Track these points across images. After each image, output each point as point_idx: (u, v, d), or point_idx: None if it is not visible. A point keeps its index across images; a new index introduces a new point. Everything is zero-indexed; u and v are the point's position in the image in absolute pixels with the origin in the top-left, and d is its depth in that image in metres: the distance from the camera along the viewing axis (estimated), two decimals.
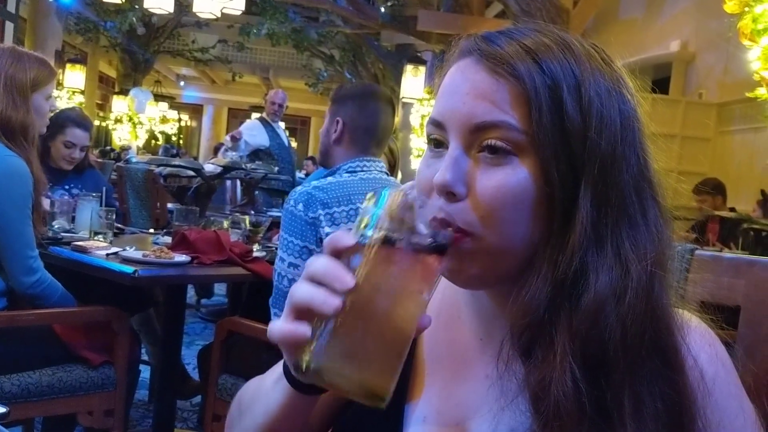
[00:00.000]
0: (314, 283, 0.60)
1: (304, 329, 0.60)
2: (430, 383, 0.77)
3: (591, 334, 0.62)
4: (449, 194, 0.66)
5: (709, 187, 5.19)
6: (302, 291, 0.61)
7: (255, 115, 7.18)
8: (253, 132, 5.59)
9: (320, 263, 0.61)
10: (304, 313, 0.60)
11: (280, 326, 0.61)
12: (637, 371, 0.63)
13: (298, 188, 2.01)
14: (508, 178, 0.65)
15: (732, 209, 5.03)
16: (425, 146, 0.74)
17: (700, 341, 0.69)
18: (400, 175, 3.16)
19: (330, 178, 2.05)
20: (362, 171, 2.07)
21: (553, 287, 0.64)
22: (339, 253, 0.62)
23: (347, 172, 2.06)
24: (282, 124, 5.91)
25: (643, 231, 0.66)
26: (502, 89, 0.66)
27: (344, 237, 0.62)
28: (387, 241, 0.60)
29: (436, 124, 0.70)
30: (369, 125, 2.10)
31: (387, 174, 2.16)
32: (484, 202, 0.65)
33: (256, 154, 5.51)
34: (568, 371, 0.62)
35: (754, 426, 0.69)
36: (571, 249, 0.64)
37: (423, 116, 8.45)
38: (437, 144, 0.71)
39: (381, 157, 2.19)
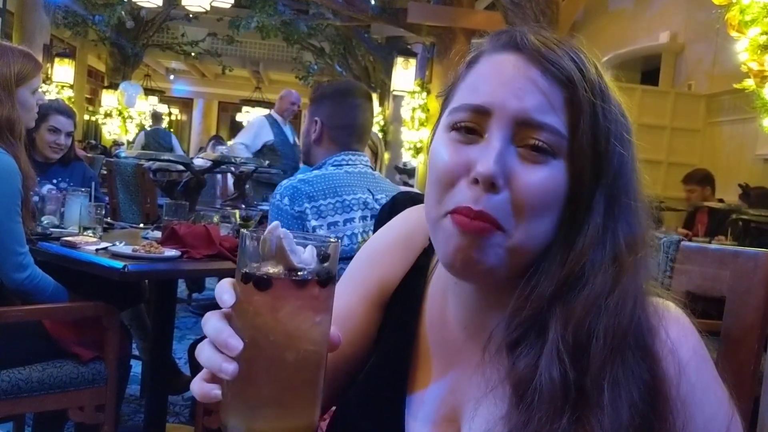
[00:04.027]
0: (212, 345, 0.60)
1: (214, 392, 0.61)
2: (429, 371, 0.79)
3: (582, 324, 0.65)
4: (491, 186, 0.66)
5: (697, 178, 5.21)
6: (203, 356, 0.61)
7: (263, 112, 7.10)
8: (257, 131, 5.62)
9: (211, 326, 0.61)
10: (212, 374, 0.61)
11: (196, 386, 0.62)
12: (617, 358, 0.65)
13: (284, 182, 2.01)
14: (548, 178, 0.67)
15: (720, 200, 5.04)
16: (447, 132, 0.72)
17: (676, 328, 0.70)
18: (385, 168, 3.15)
19: (316, 172, 2.05)
20: (347, 164, 2.07)
21: (557, 285, 0.67)
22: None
23: (332, 166, 2.07)
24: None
25: (635, 227, 0.70)
26: (556, 92, 0.68)
27: (225, 294, 0.61)
28: (265, 284, 0.59)
29: (480, 110, 0.69)
30: (347, 123, 2.10)
31: (372, 168, 2.16)
32: (523, 197, 0.66)
33: (260, 150, 5.54)
34: (556, 359, 0.64)
35: (728, 411, 0.70)
36: (580, 250, 0.67)
37: (413, 108, 8.42)
38: (469, 130, 0.70)
39: (365, 150, 2.19)
